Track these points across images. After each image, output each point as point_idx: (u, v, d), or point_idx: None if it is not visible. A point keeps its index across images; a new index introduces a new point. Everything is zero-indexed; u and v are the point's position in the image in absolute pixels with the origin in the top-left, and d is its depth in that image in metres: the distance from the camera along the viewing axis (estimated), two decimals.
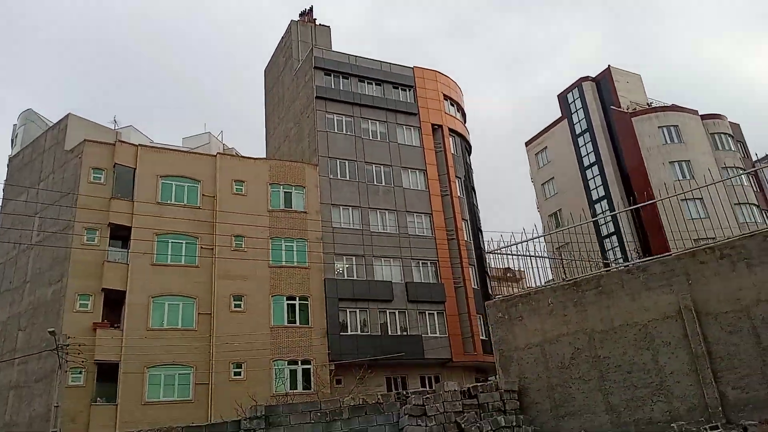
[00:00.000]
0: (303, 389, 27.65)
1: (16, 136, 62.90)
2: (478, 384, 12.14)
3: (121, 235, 27.67)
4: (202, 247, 28.55)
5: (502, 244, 13.39)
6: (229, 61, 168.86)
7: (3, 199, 31.39)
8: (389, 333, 30.95)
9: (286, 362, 28.09)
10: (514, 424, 11.36)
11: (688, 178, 43.01)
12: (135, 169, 28.52)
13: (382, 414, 11.19)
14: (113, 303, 26.45)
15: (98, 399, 24.49)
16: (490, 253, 13.71)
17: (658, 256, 11.80)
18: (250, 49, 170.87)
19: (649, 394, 10.82)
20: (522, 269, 14.30)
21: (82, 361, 23.50)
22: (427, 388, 30.00)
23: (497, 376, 12.89)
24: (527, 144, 55.49)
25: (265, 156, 40.06)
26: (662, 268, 11.17)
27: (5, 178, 33.07)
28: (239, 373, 26.96)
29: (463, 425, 11.00)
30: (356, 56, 36.97)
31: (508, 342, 12.85)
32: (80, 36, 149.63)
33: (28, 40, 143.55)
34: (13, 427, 25.42)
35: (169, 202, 28.70)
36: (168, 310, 26.89)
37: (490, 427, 11.06)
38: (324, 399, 24.01)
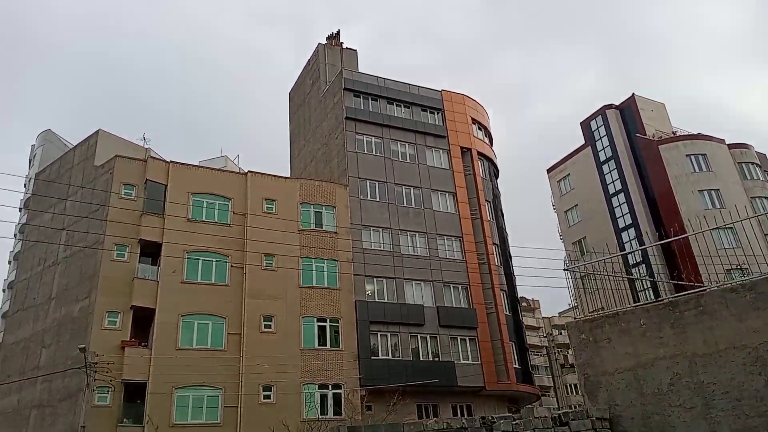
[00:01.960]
0: (334, 414, 26.59)
1: (34, 156, 62.89)
2: (569, 411, 11.27)
3: (150, 251, 27.03)
4: (232, 266, 27.86)
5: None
6: (240, 88, 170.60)
7: (29, 213, 30.80)
8: (420, 358, 29.98)
9: (317, 386, 27.11)
10: None
11: (718, 207, 42.37)
12: (166, 185, 28.03)
13: None
14: (141, 321, 25.67)
15: (125, 420, 23.55)
16: (567, 270, 12.97)
17: (766, 273, 11.07)
18: (259, 77, 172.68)
19: (764, 424, 9.95)
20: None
21: (111, 381, 22.62)
22: (441, 417, 29.02)
23: (584, 402, 12.02)
24: (549, 171, 55.05)
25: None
26: None
27: (31, 193, 32.51)
28: (269, 396, 25.99)
29: None
30: (385, 78, 36.80)
31: (594, 366, 12.01)
32: (93, 62, 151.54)
33: (36, 64, 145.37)
34: None
35: (199, 219, 28.14)
36: (197, 330, 26.09)
37: None
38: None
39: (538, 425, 10.48)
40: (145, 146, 31.88)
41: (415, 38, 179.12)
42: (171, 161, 28.63)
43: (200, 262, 27.35)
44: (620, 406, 11.58)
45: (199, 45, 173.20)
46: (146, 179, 27.59)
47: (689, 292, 11.64)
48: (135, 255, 26.20)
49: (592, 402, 11.86)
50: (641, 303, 12.09)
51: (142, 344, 25.23)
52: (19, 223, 55.18)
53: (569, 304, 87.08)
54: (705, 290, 11.55)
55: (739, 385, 10.38)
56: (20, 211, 57.94)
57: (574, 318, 12.58)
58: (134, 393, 24.02)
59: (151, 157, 28.70)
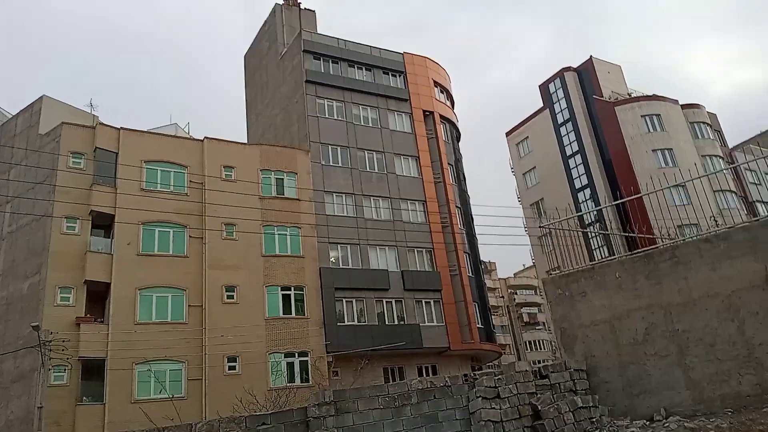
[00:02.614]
0: (302, 382, 26.35)
1: None
2: (549, 363, 11.24)
3: (103, 223, 25.77)
4: (190, 236, 26.88)
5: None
6: (182, 55, 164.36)
7: None
8: (386, 322, 29.95)
9: (283, 355, 26.74)
10: (591, 404, 10.51)
11: (671, 165, 43.40)
12: (117, 153, 26.61)
13: (451, 397, 10.17)
14: (97, 296, 24.59)
15: (84, 398, 22.67)
16: (543, 227, 12.83)
17: (741, 223, 11.16)
18: (206, 43, 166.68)
19: (736, 367, 10.13)
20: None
21: (67, 359, 21.64)
22: (425, 377, 29.25)
23: (561, 355, 12.03)
24: (508, 134, 55.29)
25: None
26: (745, 236, 10.51)
27: None
28: (234, 368, 25.48)
29: (539, 407, 10.09)
30: (345, 40, 35.73)
31: (570, 320, 11.99)
32: (28, 29, 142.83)
33: None
34: None
35: (154, 188, 26.89)
36: (156, 303, 25.17)
37: (567, 408, 10.19)
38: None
39: (519, 379, 10.39)
40: (93, 113, 30.12)
41: (366, 4, 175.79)
42: (122, 127, 27.11)
43: (156, 232, 26.26)
44: (597, 357, 11.63)
45: (141, 8, 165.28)
46: (96, 147, 26.08)
47: (664, 244, 11.69)
48: (86, 227, 24.90)
49: (569, 355, 11.87)
50: (616, 256, 12.07)
51: (98, 320, 24.20)
52: None
53: (524, 265, 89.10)
54: (682, 241, 11.60)
55: (712, 332, 10.50)
56: None
57: (549, 273, 12.49)
58: (93, 370, 23.10)
59: (100, 123, 27.11)
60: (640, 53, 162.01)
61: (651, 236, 13.50)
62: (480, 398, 10.01)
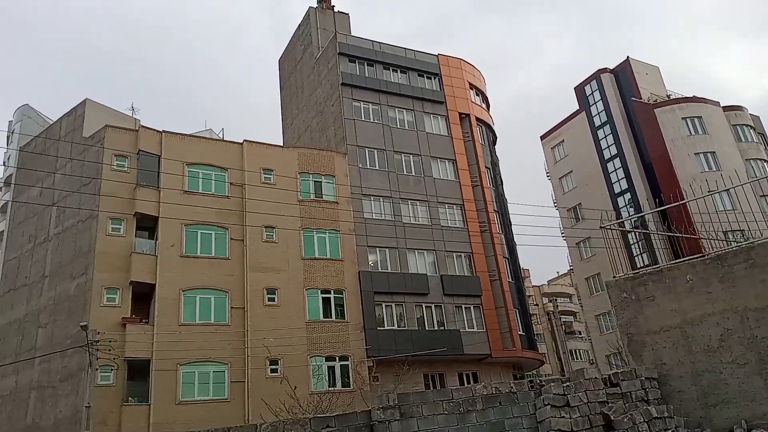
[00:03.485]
0: (342, 386, 26.20)
1: (12, 132, 60.78)
2: (619, 371, 10.84)
3: (147, 225, 26.08)
4: (232, 239, 27.02)
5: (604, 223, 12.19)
6: (213, 63, 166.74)
7: (15, 189, 29.51)
8: (426, 327, 29.63)
9: (324, 358, 26.64)
10: (666, 414, 10.08)
11: (714, 169, 42.26)
12: (160, 156, 26.94)
13: (517, 404, 9.86)
14: (142, 297, 24.86)
15: (130, 399, 22.90)
16: (603, 228, 12.43)
17: None
18: (234, 50, 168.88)
19: None
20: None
21: (114, 359, 21.87)
22: (467, 385, 28.82)
23: (628, 362, 11.61)
24: (542, 138, 54.55)
25: None
26: None
27: (16, 167, 31.13)
28: (275, 371, 25.45)
29: (612, 416, 9.71)
30: (380, 43, 35.68)
31: (638, 325, 11.57)
32: (74, 36, 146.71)
33: (21, 39, 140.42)
34: (36, 430, 23.67)
35: (196, 191, 27.14)
36: (199, 304, 25.34)
37: (642, 418, 9.78)
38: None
39: (588, 387, 10.02)
40: (134, 116, 30.59)
41: (390, 5, 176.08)
42: (164, 131, 27.46)
43: (199, 234, 26.46)
44: (668, 365, 11.18)
45: (169, 19, 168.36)
46: (139, 150, 26.45)
47: (739, 245, 11.21)
48: (131, 229, 25.23)
49: (637, 362, 11.44)
50: (686, 258, 11.61)
51: (143, 321, 24.46)
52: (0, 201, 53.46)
53: (557, 272, 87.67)
54: (755, 243, 11.10)
55: None
56: (0, 189, 56.12)
57: (616, 277, 12.07)
58: (138, 371, 23.32)
59: (143, 126, 27.47)
60: (670, 58, 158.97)
61: (715, 239, 12.97)
62: (549, 406, 9.67)
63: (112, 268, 24.25)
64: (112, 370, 22.54)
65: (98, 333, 21.41)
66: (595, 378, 10.26)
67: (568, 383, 10.05)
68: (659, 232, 11.97)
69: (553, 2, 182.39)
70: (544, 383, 10.23)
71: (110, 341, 21.59)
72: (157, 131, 27.49)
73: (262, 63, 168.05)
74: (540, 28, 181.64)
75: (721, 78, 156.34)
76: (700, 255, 11.37)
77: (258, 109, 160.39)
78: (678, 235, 12.45)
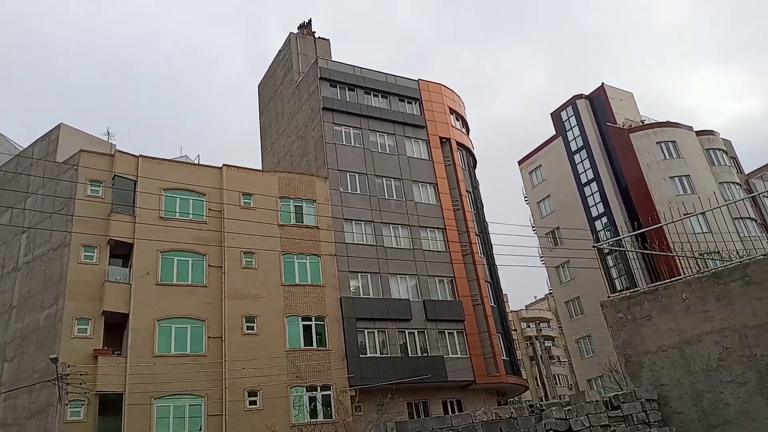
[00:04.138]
0: (324, 417, 25.34)
1: None
2: (620, 393, 10.48)
3: (121, 253, 25.23)
4: (209, 265, 26.28)
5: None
6: (187, 89, 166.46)
7: None
8: (409, 354, 29.02)
9: (305, 388, 25.78)
10: None
11: (690, 192, 42.93)
12: (136, 181, 26.24)
13: (518, 430, 9.42)
14: (114, 327, 23.87)
15: None
16: (596, 247, 12.22)
17: None
18: (209, 77, 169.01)
19: None
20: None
21: (84, 393, 20.81)
22: (453, 413, 28.11)
23: (626, 384, 11.29)
24: (520, 163, 55.01)
25: None
26: None
27: None
28: (255, 402, 24.56)
29: None
30: (361, 68, 35.73)
31: (634, 345, 11.27)
32: (47, 65, 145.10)
33: None
34: None
35: (173, 217, 26.42)
36: (175, 334, 24.43)
37: None
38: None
39: (590, 410, 9.65)
40: (110, 141, 29.86)
41: (368, 36, 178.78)
42: (140, 155, 26.80)
43: (175, 261, 25.67)
44: (667, 385, 10.88)
45: (141, 44, 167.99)
46: (114, 174, 25.72)
47: (734, 262, 11.06)
48: (105, 256, 24.36)
49: (635, 383, 11.12)
50: (681, 277, 11.42)
51: (116, 352, 23.44)
52: None
53: (535, 297, 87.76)
54: (751, 259, 10.97)
55: None
56: None
57: (611, 297, 11.81)
58: (110, 406, 22.21)
59: (119, 151, 26.79)
60: (638, 85, 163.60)
61: (709, 258, 12.85)
62: (551, 431, 9.25)
63: (84, 297, 23.29)
64: (82, 405, 21.44)
65: (68, 366, 20.42)
66: (596, 401, 9.88)
67: (569, 407, 9.67)
68: (656, 252, 11.83)
69: (523, 33, 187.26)
70: (544, 408, 9.82)
71: (81, 374, 20.61)
72: (134, 155, 26.83)
73: (238, 91, 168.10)
74: (511, 58, 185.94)
75: (688, 105, 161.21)
76: (697, 273, 11.19)
77: (234, 137, 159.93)
78: (672, 254, 12.30)
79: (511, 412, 9.62)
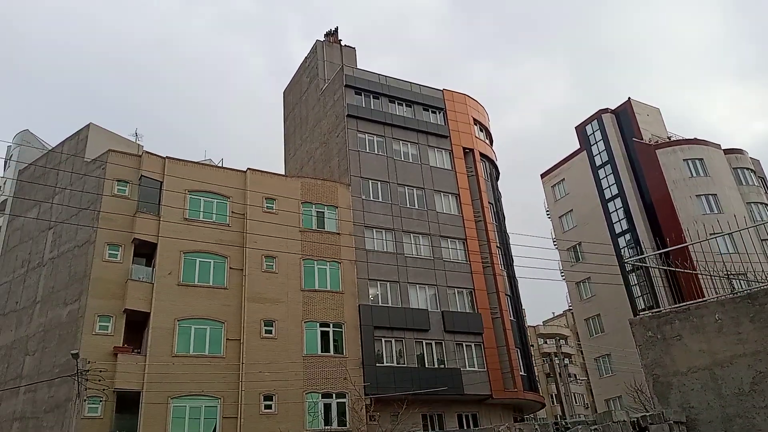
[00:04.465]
0: (338, 425, 25.22)
1: (10, 157, 60.42)
2: (647, 414, 10.22)
3: (145, 252, 25.47)
4: (231, 268, 26.40)
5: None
6: (207, 94, 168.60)
7: (10, 211, 28.94)
8: (426, 365, 28.79)
9: (320, 395, 25.68)
10: None
11: (716, 212, 42.13)
12: (162, 182, 26.52)
13: None
14: (135, 325, 24.05)
15: None
16: (627, 262, 11.97)
17: None
18: (229, 83, 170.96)
19: None
20: None
21: (103, 390, 20.97)
22: (466, 428, 27.72)
23: (654, 405, 11.00)
24: (543, 176, 54.56)
25: None
26: None
27: (11, 195, 30.62)
28: (270, 406, 24.51)
29: None
30: (386, 76, 35.82)
31: (664, 366, 10.99)
32: (64, 65, 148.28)
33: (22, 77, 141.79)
34: None
35: (197, 218, 26.64)
36: (194, 335, 24.54)
37: None
38: None
39: (617, 430, 9.41)
40: (138, 142, 30.28)
41: (386, 47, 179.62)
42: (167, 157, 27.12)
43: (197, 263, 25.84)
44: (696, 408, 10.58)
45: (162, 50, 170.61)
46: (141, 175, 26.04)
47: (749, 289, 10.76)
48: (129, 255, 24.61)
49: (663, 405, 10.83)
50: (715, 296, 11.14)
51: (136, 350, 23.61)
52: None
53: (553, 313, 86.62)
54: None
55: None
56: None
57: (640, 315, 11.57)
58: (127, 403, 22.34)
59: (146, 152, 27.14)
60: (661, 102, 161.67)
61: (752, 279, 12.52)
62: None
63: (106, 294, 23.54)
64: (100, 401, 21.59)
65: (89, 362, 20.60)
66: (623, 421, 9.63)
67: (595, 426, 9.43)
68: (686, 271, 11.50)
69: (541, 47, 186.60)
70: (569, 426, 9.60)
71: (100, 371, 20.77)
72: (161, 157, 27.15)
73: (256, 98, 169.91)
74: (529, 72, 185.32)
75: (712, 122, 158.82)
76: (731, 294, 10.90)
77: (255, 143, 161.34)
78: (703, 273, 11.98)
79: (536, 429, 9.41)
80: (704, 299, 11.20)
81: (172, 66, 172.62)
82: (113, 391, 22.01)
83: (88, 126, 28.61)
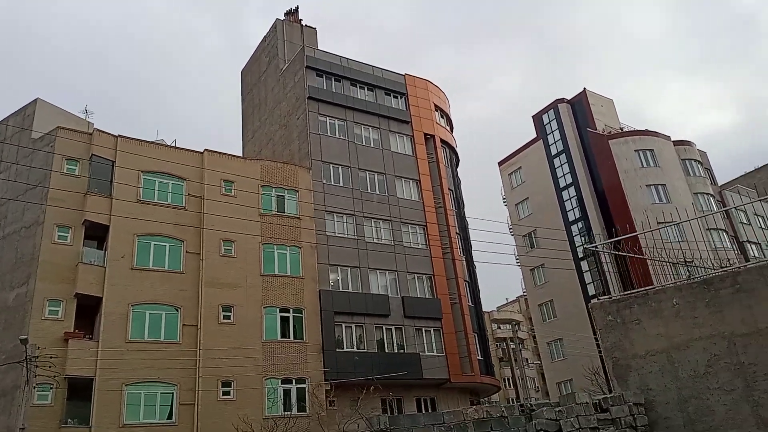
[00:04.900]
0: (298, 410, 25.10)
1: None
2: (609, 396, 10.51)
3: (96, 234, 24.54)
4: (187, 252, 25.75)
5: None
6: (162, 72, 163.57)
7: None
8: (386, 350, 28.94)
9: (280, 381, 25.48)
10: None
11: (665, 201, 43.69)
12: (114, 162, 25.52)
13: (508, 429, 9.37)
14: (87, 310, 23.22)
15: (69, 420, 21.14)
16: (588, 248, 12.24)
17: None
18: (183, 60, 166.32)
19: None
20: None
21: (54, 376, 20.19)
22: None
23: (613, 387, 11.34)
24: (500, 164, 55.31)
25: None
26: None
27: None
28: (228, 393, 24.17)
29: None
30: (348, 59, 35.39)
31: (623, 349, 11.33)
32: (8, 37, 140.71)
33: None
34: None
35: (151, 200, 25.81)
36: (149, 320, 23.88)
37: None
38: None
39: (580, 411, 9.65)
40: (88, 119, 29.03)
41: (347, 31, 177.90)
42: (119, 135, 26.08)
43: (152, 246, 25.09)
44: (654, 390, 10.96)
45: (117, 22, 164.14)
46: (92, 154, 24.98)
47: (725, 269, 11.18)
48: (79, 237, 23.65)
49: (622, 387, 11.18)
50: (672, 282, 11.53)
51: (88, 336, 22.82)
52: None
53: (506, 299, 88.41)
54: (744, 267, 11.11)
55: None
56: None
57: (601, 299, 11.85)
58: (79, 390, 21.60)
59: (97, 130, 26.03)
60: (612, 94, 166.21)
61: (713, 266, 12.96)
62: (541, 431, 9.22)
63: (56, 278, 22.60)
64: (51, 388, 20.81)
65: (38, 348, 19.71)
66: (586, 403, 9.89)
67: (559, 408, 9.65)
68: (642, 257, 11.81)
69: (501, 37, 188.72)
70: (534, 408, 9.80)
71: (51, 357, 19.91)
72: (113, 135, 26.09)
73: (210, 78, 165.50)
74: (487, 61, 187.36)
75: (662, 115, 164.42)
76: (687, 279, 11.30)
77: (209, 124, 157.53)
78: (665, 261, 12.38)
79: (502, 411, 9.57)
80: (663, 285, 11.58)
81: (122, 44, 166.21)
82: (64, 377, 21.24)
83: (35, 101, 27.22)
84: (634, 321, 11.40)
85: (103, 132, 26.04)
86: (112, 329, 22.78)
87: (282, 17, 39.14)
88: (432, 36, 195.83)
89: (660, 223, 41.96)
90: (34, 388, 19.78)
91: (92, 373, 21.76)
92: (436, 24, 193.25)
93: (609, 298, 11.98)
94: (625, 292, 11.84)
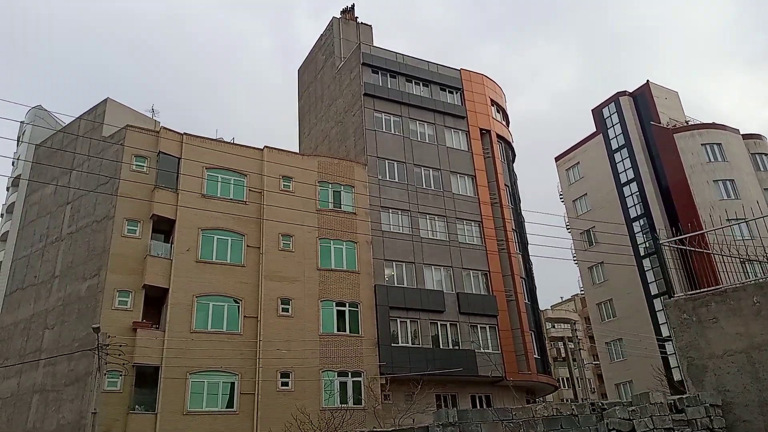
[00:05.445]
0: (354, 403, 25.33)
1: (23, 134, 60.33)
2: (683, 396, 10.13)
3: (163, 228, 25.49)
4: (248, 246, 26.38)
5: None
6: (214, 73, 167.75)
7: (30, 185, 28.98)
8: (440, 346, 28.81)
9: (336, 373, 25.78)
10: None
11: (733, 198, 41.69)
12: (179, 159, 26.41)
13: (578, 428, 9.14)
14: (154, 301, 24.15)
15: (136, 407, 22.03)
16: (662, 243, 11.81)
17: None
18: (237, 62, 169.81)
19: None
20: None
21: (123, 364, 21.11)
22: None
23: (687, 388, 10.89)
24: (557, 159, 54.05)
25: None
26: None
27: (31, 164, 30.64)
28: (287, 384, 24.64)
29: None
30: (404, 55, 35.37)
31: (699, 348, 10.87)
32: (72, 41, 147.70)
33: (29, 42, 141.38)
34: None
35: (214, 195, 26.57)
36: (212, 311, 24.61)
37: None
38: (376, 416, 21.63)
39: (654, 412, 9.32)
40: (154, 118, 30.15)
41: (395, 29, 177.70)
42: (185, 133, 26.98)
43: (215, 240, 25.84)
44: (732, 392, 10.47)
45: (168, 28, 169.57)
46: (159, 151, 25.94)
47: (748, 280, 10.57)
48: (147, 231, 24.61)
49: (697, 387, 10.72)
50: (752, 279, 10.98)
51: (155, 326, 23.72)
52: (6, 203, 53.03)
53: (561, 298, 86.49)
54: None
55: None
56: (7, 190, 55.59)
57: (675, 297, 11.39)
58: (146, 378, 22.51)
59: (164, 128, 27.00)
60: (673, 87, 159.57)
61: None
62: (614, 431, 8.95)
63: (125, 270, 23.60)
64: (120, 375, 21.76)
65: (109, 336, 20.70)
66: (661, 403, 9.53)
67: (633, 407, 9.35)
68: (732, 255, 11.19)
69: (553, 31, 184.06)
70: (606, 407, 9.53)
71: (120, 346, 20.87)
72: (178, 133, 27.00)
73: (264, 78, 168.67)
74: (540, 55, 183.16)
75: (723, 109, 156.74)
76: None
77: (263, 126, 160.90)
78: (740, 257, 11.78)
79: (572, 409, 9.34)
80: (742, 282, 11.02)
81: (181, 46, 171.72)
82: (132, 365, 22.16)
83: (105, 101, 28.47)
84: (710, 320, 10.91)
85: (169, 130, 26.98)
86: (177, 319, 23.60)
87: (338, 15, 39.43)
88: (478, 31, 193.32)
89: (729, 219, 40.28)
90: (105, 375, 20.75)
91: (158, 362, 22.62)
92: (481, 20, 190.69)
93: (684, 295, 11.50)
94: (702, 290, 11.34)
